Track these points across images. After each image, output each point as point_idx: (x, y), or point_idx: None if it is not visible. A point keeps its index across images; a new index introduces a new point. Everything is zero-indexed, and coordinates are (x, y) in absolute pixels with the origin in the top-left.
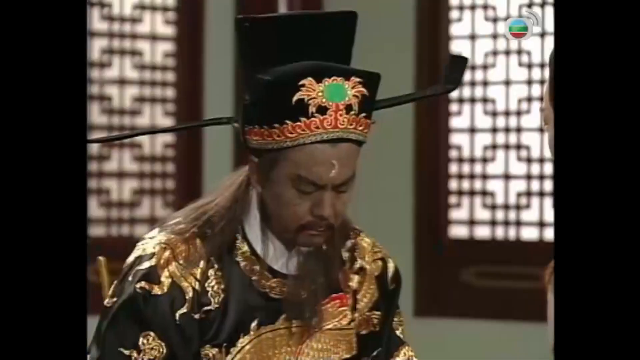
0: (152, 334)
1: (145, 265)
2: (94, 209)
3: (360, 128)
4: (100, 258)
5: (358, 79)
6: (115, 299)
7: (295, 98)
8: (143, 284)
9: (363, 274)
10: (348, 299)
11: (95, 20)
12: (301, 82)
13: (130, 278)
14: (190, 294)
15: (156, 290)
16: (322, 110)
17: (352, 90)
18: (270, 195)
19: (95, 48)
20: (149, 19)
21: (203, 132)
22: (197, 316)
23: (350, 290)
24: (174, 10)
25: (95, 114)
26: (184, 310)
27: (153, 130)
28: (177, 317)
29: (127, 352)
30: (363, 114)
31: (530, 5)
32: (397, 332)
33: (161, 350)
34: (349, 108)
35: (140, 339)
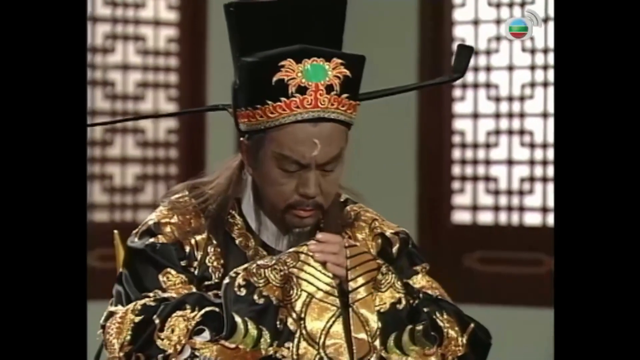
0: (170, 270)
1: (150, 222)
2: (97, 194)
3: (343, 108)
4: (115, 231)
5: (340, 60)
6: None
7: (275, 78)
8: (150, 239)
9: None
10: None
11: (99, 6)
12: (281, 63)
13: (137, 238)
14: (187, 251)
15: (162, 239)
16: (301, 90)
17: (334, 71)
18: (259, 175)
19: (99, 33)
20: (152, 4)
21: (205, 118)
22: (193, 271)
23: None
24: None
25: (99, 99)
26: (183, 263)
27: (150, 115)
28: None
29: (151, 294)
30: (346, 95)
31: None
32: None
33: (184, 278)
34: (329, 88)
35: (161, 277)
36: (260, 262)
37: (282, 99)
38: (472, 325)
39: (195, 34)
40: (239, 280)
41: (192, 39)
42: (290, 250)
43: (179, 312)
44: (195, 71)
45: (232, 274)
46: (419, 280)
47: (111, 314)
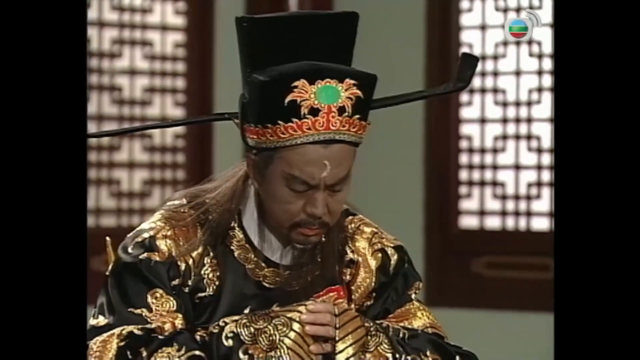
0: (159, 290)
1: (145, 235)
2: (105, 199)
3: (354, 130)
4: (107, 238)
5: (353, 81)
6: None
7: (287, 99)
8: (145, 254)
9: (354, 267)
10: (345, 291)
11: (106, 11)
12: (294, 84)
13: (130, 248)
14: (183, 268)
15: (156, 257)
16: (314, 111)
17: (346, 93)
18: (265, 192)
19: (106, 38)
20: (159, 9)
21: (213, 123)
22: (186, 289)
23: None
24: (184, 0)
25: (106, 105)
26: (176, 282)
27: (156, 125)
28: (171, 285)
29: (137, 311)
30: (357, 116)
31: None
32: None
33: (172, 303)
34: (341, 110)
35: (149, 298)
36: (251, 317)
37: (294, 119)
38: (457, 358)
39: (202, 39)
40: (227, 331)
41: (199, 44)
42: (282, 311)
43: (166, 349)
44: (202, 76)
45: (220, 322)
46: (411, 311)
47: (92, 330)
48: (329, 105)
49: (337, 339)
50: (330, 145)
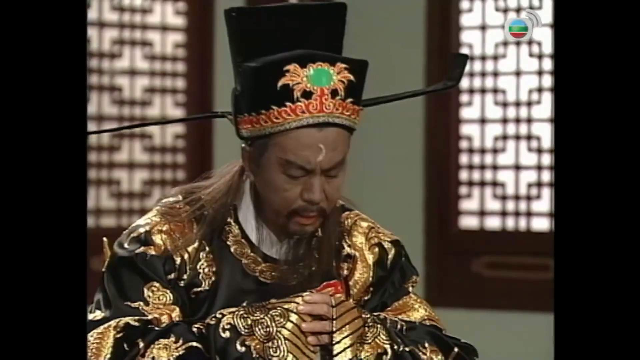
0: (155, 284)
1: (141, 230)
2: (105, 199)
3: (347, 113)
4: (104, 239)
5: (344, 65)
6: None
7: (280, 83)
8: (141, 248)
9: (352, 261)
10: (342, 286)
11: (106, 11)
12: (286, 68)
13: (126, 244)
14: (178, 263)
15: (152, 251)
16: (307, 95)
17: (338, 76)
18: (262, 181)
19: (106, 38)
20: (159, 9)
21: (212, 123)
22: (182, 284)
23: (342, 277)
24: (184, 0)
25: (106, 105)
26: (171, 276)
27: (151, 123)
28: (167, 279)
29: (134, 305)
30: (350, 100)
31: None
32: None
33: (168, 297)
34: (334, 93)
35: (145, 291)
36: (248, 308)
37: (287, 103)
38: (455, 349)
39: (202, 39)
40: (224, 323)
41: (199, 44)
42: (279, 302)
43: (163, 341)
44: (202, 76)
45: (217, 314)
46: (408, 304)
47: (89, 324)
48: (322, 88)
49: (334, 329)
50: (325, 128)
